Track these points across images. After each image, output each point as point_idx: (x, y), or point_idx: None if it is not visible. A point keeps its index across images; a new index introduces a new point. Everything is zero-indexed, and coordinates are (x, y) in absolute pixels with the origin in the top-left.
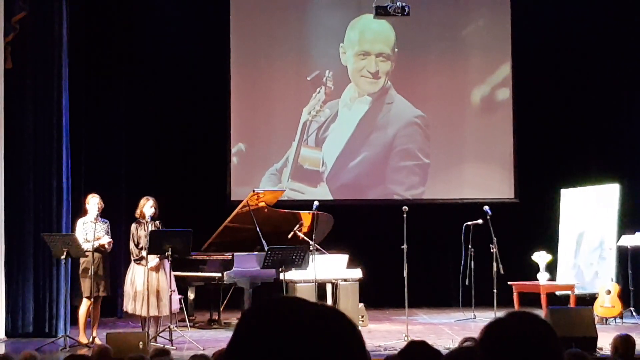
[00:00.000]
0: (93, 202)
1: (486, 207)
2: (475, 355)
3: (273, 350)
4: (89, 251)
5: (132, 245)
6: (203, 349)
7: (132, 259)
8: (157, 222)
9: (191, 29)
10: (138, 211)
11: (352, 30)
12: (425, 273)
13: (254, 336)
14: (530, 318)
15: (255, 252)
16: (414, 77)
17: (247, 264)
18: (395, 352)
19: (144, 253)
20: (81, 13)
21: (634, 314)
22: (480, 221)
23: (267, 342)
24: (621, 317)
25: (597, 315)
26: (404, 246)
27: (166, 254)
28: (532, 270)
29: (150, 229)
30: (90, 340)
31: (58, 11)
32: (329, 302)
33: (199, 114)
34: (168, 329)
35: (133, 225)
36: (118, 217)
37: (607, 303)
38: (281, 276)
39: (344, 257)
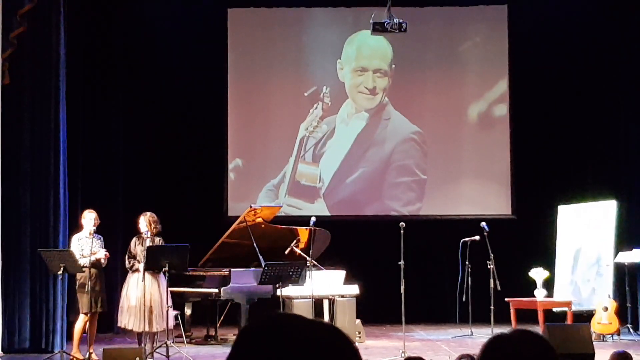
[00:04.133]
0: (89, 218)
1: (483, 224)
2: None
3: None
4: (86, 267)
5: (126, 257)
6: None
7: (127, 268)
8: (158, 238)
9: (189, 45)
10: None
11: (349, 46)
12: (422, 289)
13: (252, 354)
14: (531, 336)
15: (252, 268)
16: (411, 93)
17: (244, 280)
18: None
19: (140, 266)
20: (79, 30)
21: (631, 330)
22: (477, 237)
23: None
24: (618, 334)
25: (594, 332)
26: (401, 262)
27: (163, 269)
28: (529, 287)
29: (148, 244)
30: (87, 356)
31: (56, 27)
32: (326, 318)
33: (196, 130)
34: (165, 345)
35: (132, 240)
36: (115, 233)
37: (604, 320)
38: (278, 292)
39: (341, 273)
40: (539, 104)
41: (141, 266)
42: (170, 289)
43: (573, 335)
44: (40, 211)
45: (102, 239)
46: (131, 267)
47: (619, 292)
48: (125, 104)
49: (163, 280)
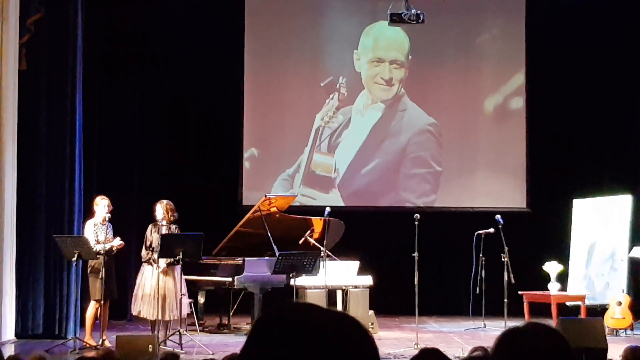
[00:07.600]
0: (102, 204)
1: (498, 216)
2: None
3: (287, 356)
4: (100, 253)
5: (143, 248)
6: (212, 354)
7: (143, 260)
8: (174, 226)
9: (205, 34)
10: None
11: (366, 37)
12: (436, 281)
13: (268, 342)
14: (545, 330)
15: (266, 257)
16: (428, 84)
17: (257, 269)
18: (405, 359)
19: (155, 255)
20: (96, 16)
21: None
22: (491, 230)
23: (281, 349)
24: (632, 329)
25: (608, 327)
26: (415, 254)
27: (177, 257)
28: (543, 280)
29: (164, 232)
30: (100, 342)
31: (73, 13)
32: (339, 308)
33: (212, 119)
34: (178, 333)
35: (149, 227)
36: (130, 220)
37: (617, 314)
38: (292, 282)
39: (355, 264)
40: (555, 97)
41: (155, 254)
42: (184, 277)
43: (586, 329)
44: (55, 197)
45: (111, 227)
46: (147, 260)
47: (633, 286)
48: (141, 91)
49: (178, 269)
